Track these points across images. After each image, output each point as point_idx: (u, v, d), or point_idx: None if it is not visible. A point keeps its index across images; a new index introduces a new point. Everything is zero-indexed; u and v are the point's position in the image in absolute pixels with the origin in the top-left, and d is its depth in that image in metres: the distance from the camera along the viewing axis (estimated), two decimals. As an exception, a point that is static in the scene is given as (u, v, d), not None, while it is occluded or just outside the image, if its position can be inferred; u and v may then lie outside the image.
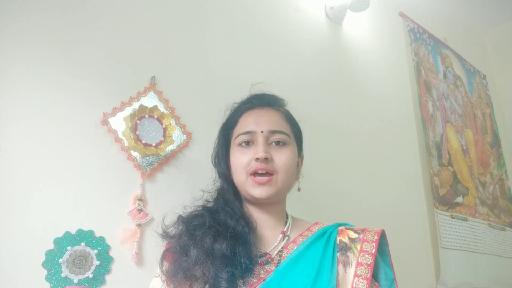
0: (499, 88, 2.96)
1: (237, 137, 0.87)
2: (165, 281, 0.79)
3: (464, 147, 2.31)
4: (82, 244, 0.95)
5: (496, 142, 2.65)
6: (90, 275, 0.94)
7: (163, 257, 0.81)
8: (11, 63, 0.96)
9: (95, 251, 0.96)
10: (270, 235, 0.85)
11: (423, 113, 2.06)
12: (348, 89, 1.80)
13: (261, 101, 0.91)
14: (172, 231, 0.84)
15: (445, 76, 2.40)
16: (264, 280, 0.76)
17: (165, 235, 0.84)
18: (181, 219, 0.84)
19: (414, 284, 1.67)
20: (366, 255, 0.76)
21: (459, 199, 2.08)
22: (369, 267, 0.75)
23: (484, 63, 2.92)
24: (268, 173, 0.82)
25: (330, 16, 1.80)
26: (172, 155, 1.14)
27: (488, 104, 2.75)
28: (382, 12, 2.11)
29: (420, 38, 2.30)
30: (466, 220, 2.06)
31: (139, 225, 1.03)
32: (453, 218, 1.98)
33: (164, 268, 0.79)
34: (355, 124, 1.75)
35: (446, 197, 1.99)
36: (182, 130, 1.17)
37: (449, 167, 2.10)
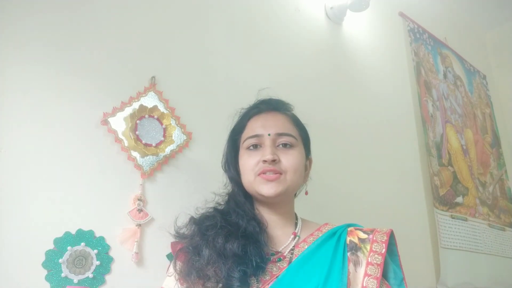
0: (499, 88, 2.96)
1: (245, 141, 0.88)
2: (178, 280, 0.80)
3: (464, 147, 2.31)
4: (82, 244, 0.95)
5: (496, 142, 2.65)
6: (90, 275, 0.94)
7: (176, 257, 0.82)
8: (11, 63, 0.96)
9: (95, 251, 0.96)
10: (281, 235, 0.86)
11: (423, 113, 2.06)
12: (348, 89, 1.80)
13: (268, 106, 0.93)
14: (184, 232, 0.86)
15: (445, 76, 2.40)
16: (276, 277, 0.77)
17: (178, 235, 0.86)
18: (193, 220, 0.86)
19: (414, 284, 1.66)
20: (376, 255, 0.78)
21: (459, 199, 2.08)
22: (379, 267, 0.76)
23: (484, 63, 2.92)
24: (276, 173, 0.84)
25: (330, 16, 1.80)
26: (172, 155, 1.14)
27: (488, 104, 2.75)
28: (382, 12, 2.11)
29: (420, 38, 2.30)
30: (466, 220, 2.06)
31: (139, 225, 1.03)
32: (453, 218, 1.98)
33: (177, 267, 0.81)
34: (355, 124, 1.75)
35: (446, 197, 1.99)
36: (182, 130, 1.17)
37: (449, 167, 2.10)
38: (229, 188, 0.93)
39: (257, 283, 0.76)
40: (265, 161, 0.83)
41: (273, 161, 0.83)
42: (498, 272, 2.11)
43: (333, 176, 1.57)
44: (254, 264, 0.75)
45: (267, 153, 0.83)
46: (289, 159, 0.84)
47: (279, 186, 0.83)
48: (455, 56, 2.57)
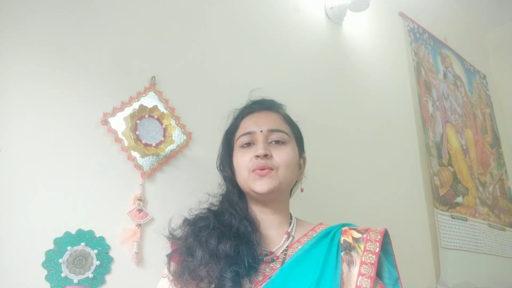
0: (499, 88, 2.96)
1: (238, 139, 0.89)
2: (172, 281, 0.80)
3: (464, 147, 2.31)
4: (82, 244, 0.95)
5: (496, 142, 2.65)
6: (90, 275, 0.94)
7: (170, 258, 0.83)
8: (11, 63, 0.96)
9: (95, 251, 0.96)
10: (275, 235, 0.86)
11: (423, 113, 2.06)
12: (348, 89, 1.80)
13: (260, 106, 0.94)
14: (178, 233, 0.86)
15: (445, 76, 2.40)
16: (269, 277, 0.77)
17: (172, 237, 0.86)
18: (186, 222, 0.86)
19: (414, 284, 1.67)
20: (370, 254, 0.77)
21: (459, 199, 2.08)
22: (372, 266, 0.76)
23: (484, 63, 2.92)
24: (268, 169, 0.84)
25: (330, 16, 1.80)
26: (172, 155, 1.14)
27: (488, 104, 2.75)
28: (382, 12, 2.11)
29: (420, 38, 2.30)
30: (466, 220, 2.06)
31: (139, 225, 1.03)
32: (453, 218, 1.98)
33: (171, 268, 0.81)
34: (355, 124, 1.75)
35: (446, 197, 1.99)
36: (182, 130, 1.17)
37: (449, 167, 2.10)
38: (224, 188, 0.94)
39: (249, 284, 0.76)
40: (257, 156, 0.83)
41: (265, 156, 0.83)
42: (498, 272, 2.11)
43: (333, 176, 1.57)
44: (247, 265, 0.76)
45: (259, 148, 0.84)
46: (282, 155, 0.85)
47: (272, 182, 0.83)
48: (455, 56, 2.57)
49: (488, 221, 2.23)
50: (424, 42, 2.31)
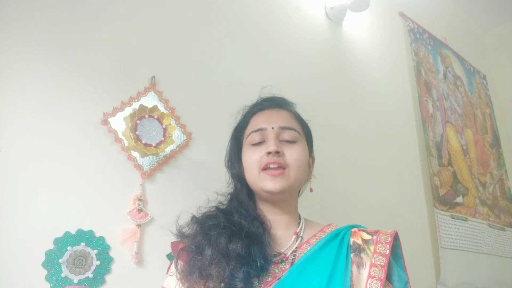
0: (499, 88, 2.96)
1: (249, 136, 0.88)
2: (179, 280, 0.79)
3: (464, 147, 2.31)
4: (82, 244, 0.94)
5: (496, 142, 2.65)
6: (90, 275, 0.94)
7: (178, 256, 0.82)
8: (11, 63, 0.96)
9: (95, 251, 0.96)
10: (284, 235, 0.86)
11: (423, 113, 2.06)
12: (348, 90, 1.80)
13: (271, 103, 0.94)
14: (186, 231, 0.85)
15: (445, 76, 2.40)
16: (279, 278, 0.77)
17: (180, 234, 0.85)
18: (195, 220, 0.85)
19: (414, 284, 1.66)
20: (380, 256, 0.77)
21: (459, 199, 2.08)
22: (383, 268, 0.75)
23: (484, 63, 2.92)
24: (280, 167, 0.83)
25: (330, 16, 1.80)
26: (172, 155, 1.14)
27: (488, 104, 2.76)
28: (382, 12, 2.11)
29: (420, 38, 2.30)
30: (466, 220, 2.06)
31: (139, 225, 1.03)
32: (453, 218, 1.98)
33: (179, 267, 0.80)
34: (355, 124, 1.75)
35: (446, 197, 1.99)
36: (182, 130, 1.17)
37: (449, 167, 2.10)
38: (232, 187, 0.93)
39: (258, 284, 0.75)
40: (269, 153, 0.82)
41: (277, 153, 0.82)
42: (498, 272, 2.11)
43: (333, 176, 1.56)
44: (259, 265, 0.75)
45: (271, 144, 0.83)
46: (293, 154, 0.84)
47: (283, 182, 0.82)
48: (455, 56, 2.57)
49: (488, 221, 2.23)
50: (424, 42, 2.31)
